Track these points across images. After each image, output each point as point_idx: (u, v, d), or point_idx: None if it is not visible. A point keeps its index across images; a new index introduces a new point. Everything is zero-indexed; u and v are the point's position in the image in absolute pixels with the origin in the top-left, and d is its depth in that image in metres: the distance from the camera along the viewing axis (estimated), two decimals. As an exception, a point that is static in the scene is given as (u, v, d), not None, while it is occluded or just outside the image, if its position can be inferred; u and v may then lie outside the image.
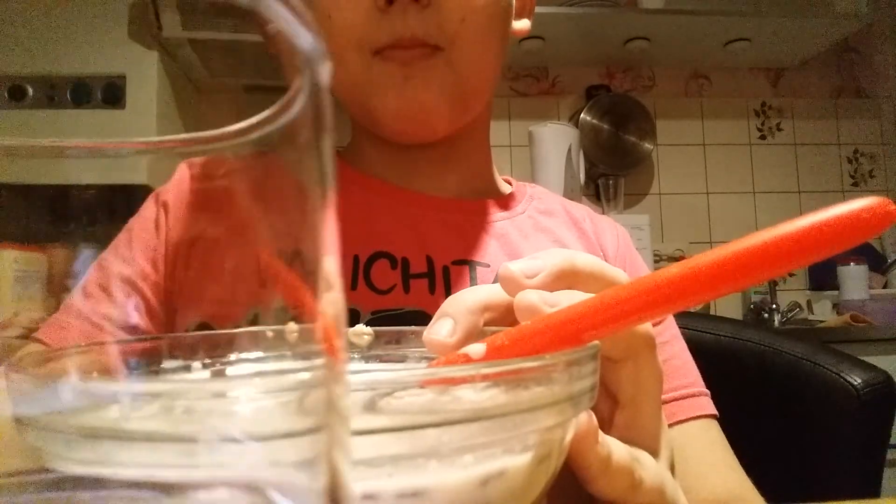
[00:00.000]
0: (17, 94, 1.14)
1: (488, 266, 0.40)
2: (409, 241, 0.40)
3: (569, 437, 0.16)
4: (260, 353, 0.21)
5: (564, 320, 0.16)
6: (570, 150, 1.49)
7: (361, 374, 0.16)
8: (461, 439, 0.13)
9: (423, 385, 0.14)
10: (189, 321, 0.38)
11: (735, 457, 0.39)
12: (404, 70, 0.38)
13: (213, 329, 0.36)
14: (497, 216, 0.44)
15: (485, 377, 0.13)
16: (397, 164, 0.44)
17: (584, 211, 0.49)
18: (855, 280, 1.47)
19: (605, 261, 0.47)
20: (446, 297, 0.21)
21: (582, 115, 1.63)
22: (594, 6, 1.52)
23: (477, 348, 0.17)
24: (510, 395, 0.14)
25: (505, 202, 0.46)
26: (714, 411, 0.40)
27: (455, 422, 0.13)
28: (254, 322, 0.39)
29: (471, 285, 0.39)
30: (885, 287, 1.60)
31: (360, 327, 0.22)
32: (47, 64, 1.15)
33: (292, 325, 0.21)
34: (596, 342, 0.16)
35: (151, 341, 0.21)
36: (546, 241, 0.44)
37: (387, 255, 0.39)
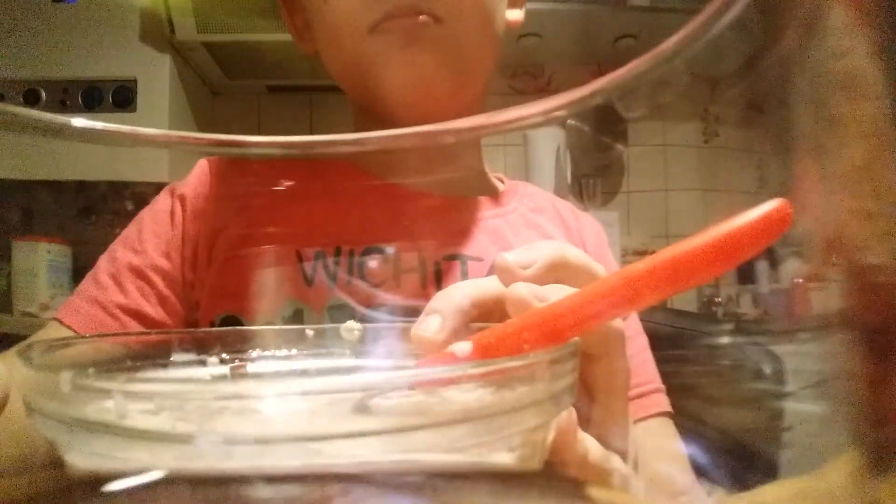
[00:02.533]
0: (31, 98, 1.16)
1: (481, 260, 0.41)
2: (402, 237, 0.41)
3: (550, 437, 0.16)
4: (286, 351, 0.22)
5: (548, 317, 0.17)
6: (558, 150, 1.51)
7: (353, 374, 0.17)
8: (449, 442, 0.13)
9: (412, 387, 0.14)
10: (214, 314, 0.38)
11: (686, 456, 0.40)
12: (403, 39, 0.38)
13: (240, 322, 0.37)
14: (489, 213, 0.45)
15: (472, 377, 0.14)
16: (392, 162, 0.45)
17: (568, 208, 0.49)
18: (763, 275, 1.51)
19: (585, 250, 0.47)
20: (437, 291, 0.22)
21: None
22: (587, 2, 1.52)
23: (463, 347, 0.17)
24: (496, 396, 0.14)
25: (497, 199, 0.47)
26: (669, 408, 0.41)
27: (444, 424, 0.13)
28: (294, 317, 0.39)
29: (462, 279, 0.40)
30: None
31: (351, 323, 0.22)
32: (60, 68, 1.17)
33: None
34: (576, 339, 0.16)
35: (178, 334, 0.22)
36: (536, 236, 0.45)
37: (380, 251, 0.40)
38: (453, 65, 0.40)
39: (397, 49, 0.38)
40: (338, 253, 0.38)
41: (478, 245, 0.42)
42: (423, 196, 0.44)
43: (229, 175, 0.42)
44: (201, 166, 0.43)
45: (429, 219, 0.43)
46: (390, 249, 0.40)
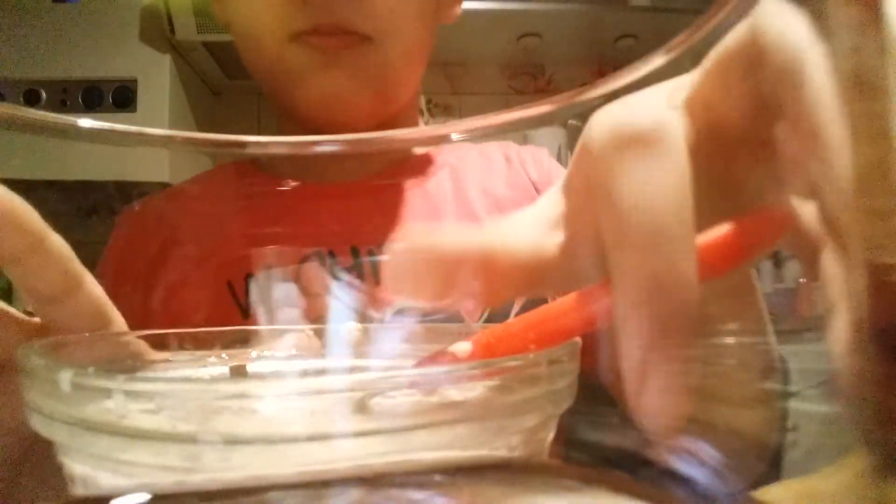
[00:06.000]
0: (31, 98, 1.16)
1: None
2: (335, 235, 0.40)
3: (551, 435, 0.16)
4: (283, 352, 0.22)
5: (550, 317, 0.17)
6: (559, 150, 1.51)
7: (353, 374, 0.17)
8: (449, 441, 0.13)
9: (412, 387, 0.14)
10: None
11: None
12: (325, 58, 0.36)
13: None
14: (411, 184, 0.43)
15: (472, 377, 0.14)
16: (314, 160, 0.43)
17: (508, 147, 0.48)
18: (765, 275, 1.51)
19: (531, 185, 0.44)
20: (376, 283, 0.21)
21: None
22: (587, 2, 1.52)
23: (463, 347, 0.17)
24: (496, 396, 0.14)
25: (422, 167, 0.45)
26: None
27: (443, 424, 0.13)
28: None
29: None
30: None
31: (351, 323, 0.22)
32: (60, 68, 1.17)
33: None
34: (576, 339, 0.16)
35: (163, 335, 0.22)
36: (461, 204, 0.43)
37: (317, 255, 0.39)
38: (376, 86, 0.39)
39: (317, 68, 0.37)
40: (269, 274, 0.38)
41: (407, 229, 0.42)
42: (351, 186, 0.43)
43: (147, 221, 0.41)
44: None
45: (359, 209, 0.42)
46: (325, 250, 0.39)
